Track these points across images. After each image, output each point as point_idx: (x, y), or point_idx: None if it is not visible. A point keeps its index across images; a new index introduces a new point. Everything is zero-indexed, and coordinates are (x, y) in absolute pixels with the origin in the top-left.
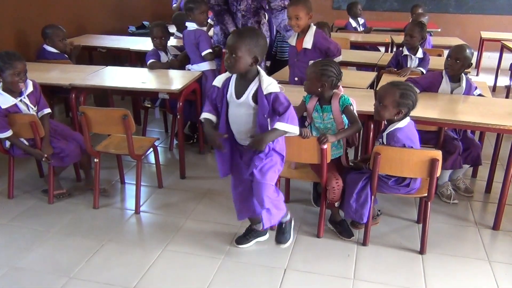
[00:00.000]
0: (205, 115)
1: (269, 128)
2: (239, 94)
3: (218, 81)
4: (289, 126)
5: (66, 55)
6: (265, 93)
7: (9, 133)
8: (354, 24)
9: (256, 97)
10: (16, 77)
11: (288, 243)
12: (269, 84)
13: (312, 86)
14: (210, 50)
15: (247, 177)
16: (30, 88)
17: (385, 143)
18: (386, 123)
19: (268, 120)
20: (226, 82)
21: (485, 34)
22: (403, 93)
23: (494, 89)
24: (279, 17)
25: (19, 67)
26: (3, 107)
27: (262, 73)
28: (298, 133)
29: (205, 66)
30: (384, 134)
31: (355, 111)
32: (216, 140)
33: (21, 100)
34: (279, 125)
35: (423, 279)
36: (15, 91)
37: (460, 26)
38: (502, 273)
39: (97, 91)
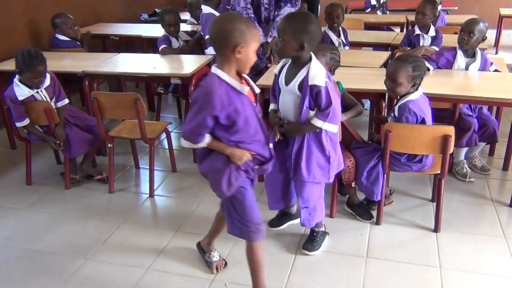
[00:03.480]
0: (271, 106)
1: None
2: (288, 81)
3: (277, 68)
4: (326, 125)
5: (79, 43)
6: (310, 83)
7: (26, 121)
8: (373, 1)
9: (302, 85)
10: (35, 79)
11: (314, 253)
12: (315, 75)
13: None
14: None
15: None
16: (47, 82)
17: (396, 116)
18: (398, 97)
19: (310, 112)
20: (282, 68)
21: (504, 11)
22: (415, 65)
23: None
24: (238, 6)
25: (39, 71)
26: (20, 98)
27: (314, 61)
28: (335, 131)
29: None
30: (396, 107)
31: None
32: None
33: (37, 92)
34: (315, 121)
35: (437, 256)
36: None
37: (479, 4)
38: None
39: (110, 78)
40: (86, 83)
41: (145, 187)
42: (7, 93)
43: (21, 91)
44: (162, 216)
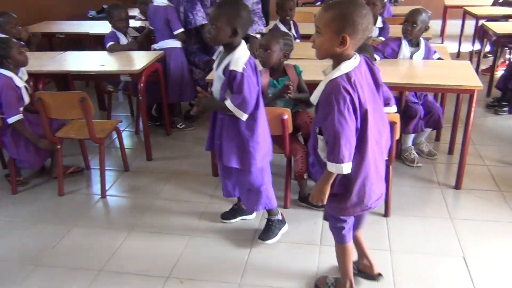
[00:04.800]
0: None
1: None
2: (218, 65)
3: (216, 53)
4: (236, 110)
5: (23, 42)
6: (230, 68)
7: (19, 116)
8: None
9: (225, 70)
10: (21, 56)
11: (270, 241)
12: (236, 61)
13: (275, 58)
14: (182, 29)
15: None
16: (26, 75)
17: None
18: None
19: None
20: (219, 53)
21: (448, 2)
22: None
23: (458, 55)
24: (249, 1)
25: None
26: (20, 85)
27: (240, 48)
28: (243, 118)
29: (170, 43)
30: None
31: None
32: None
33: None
34: (227, 102)
35: (388, 240)
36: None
37: None
38: (464, 229)
39: (57, 78)
40: (31, 83)
41: (96, 188)
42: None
43: (18, 80)
44: (115, 216)
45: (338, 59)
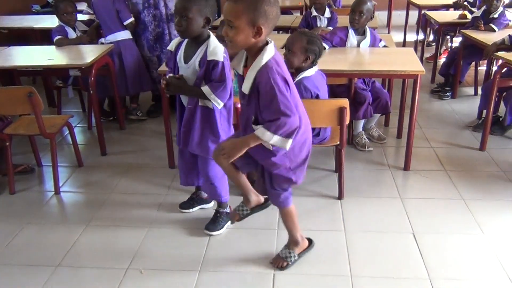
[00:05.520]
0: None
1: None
2: (187, 58)
3: (171, 45)
4: (214, 97)
5: None
6: (208, 58)
7: None
8: None
9: (201, 61)
10: None
11: (216, 233)
12: (215, 50)
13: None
14: (133, 19)
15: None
16: None
17: None
18: (295, 73)
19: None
20: (179, 46)
21: None
22: (310, 39)
23: (404, 45)
24: None
25: None
26: None
27: (212, 37)
28: (220, 107)
29: (122, 35)
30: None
31: None
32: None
33: None
34: (204, 88)
35: (342, 221)
36: None
37: None
38: (413, 207)
39: (1, 74)
40: None
41: (49, 185)
42: None
43: None
44: (70, 212)
45: (253, 49)
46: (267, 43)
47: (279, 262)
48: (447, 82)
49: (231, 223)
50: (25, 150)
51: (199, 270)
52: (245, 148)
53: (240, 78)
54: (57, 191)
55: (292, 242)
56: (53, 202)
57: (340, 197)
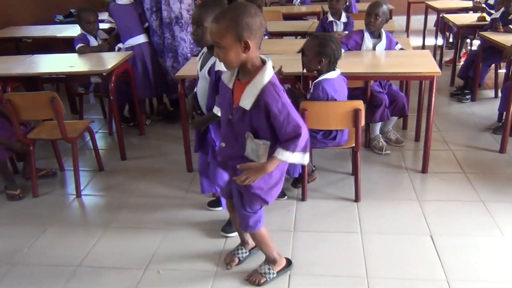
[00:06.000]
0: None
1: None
2: (202, 65)
3: (200, 55)
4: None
5: None
6: (216, 68)
7: None
8: None
9: (210, 70)
10: None
11: (232, 234)
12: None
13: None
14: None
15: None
16: None
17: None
18: (316, 75)
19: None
20: (202, 54)
21: None
22: (322, 42)
23: (423, 48)
24: None
25: None
26: None
27: None
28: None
29: (143, 38)
30: (312, 83)
31: None
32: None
33: None
34: (215, 109)
35: (358, 223)
36: None
37: None
38: (430, 209)
39: (26, 82)
40: None
41: (71, 188)
42: None
43: None
44: (91, 215)
45: (246, 64)
46: (264, 62)
47: (257, 278)
48: (466, 85)
49: (228, 268)
50: (48, 155)
51: (215, 271)
52: (264, 173)
53: (226, 92)
54: (78, 195)
55: (271, 261)
56: (74, 205)
57: (356, 199)
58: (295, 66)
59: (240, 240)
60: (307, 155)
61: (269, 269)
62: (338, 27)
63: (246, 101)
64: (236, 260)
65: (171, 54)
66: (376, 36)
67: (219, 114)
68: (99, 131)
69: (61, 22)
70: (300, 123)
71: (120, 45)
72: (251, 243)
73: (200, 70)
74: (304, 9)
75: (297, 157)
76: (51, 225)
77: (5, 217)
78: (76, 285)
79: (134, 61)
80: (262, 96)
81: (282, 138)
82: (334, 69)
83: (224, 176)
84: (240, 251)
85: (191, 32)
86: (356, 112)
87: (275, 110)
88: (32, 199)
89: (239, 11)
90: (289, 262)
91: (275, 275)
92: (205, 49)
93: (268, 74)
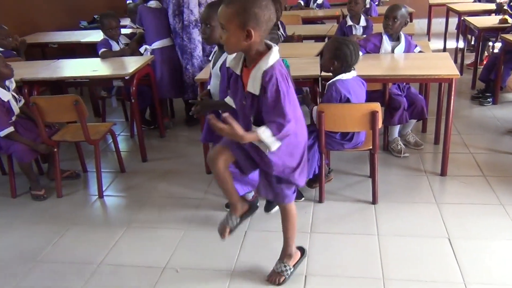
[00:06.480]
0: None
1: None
2: (214, 63)
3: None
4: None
5: (15, 52)
6: (227, 65)
7: (11, 129)
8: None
9: (221, 67)
10: (4, 70)
11: (274, 210)
12: (230, 58)
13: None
14: None
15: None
16: (13, 83)
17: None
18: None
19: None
20: (214, 52)
21: (432, 0)
22: (337, 45)
23: (444, 51)
24: None
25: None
26: (5, 99)
27: None
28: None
29: (169, 41)
30: (327, 84)
31: None
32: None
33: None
34: (228, 99)
35: (375, 225)
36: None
37: None
38: (449, 212)
39: (51, 86)
40: (25, 91)
41: (94, 189)
42: None
43: (3, 93)
44: (112, 214)
45: (250, 52)
46: (270, 48)
47: (276, 277)
48: (488, 88)
49: (222, 238)
50: (71, 156)
51: (232, 270)
52: (239, 139)
53: (236, 81)
54: (100, 195)
55: (286, 256)
56: (96, 205)
57: (374, 201)
58: (312, 69)
59: (230, 208)
60: (277, 144)
61: (285, 266)
62: (357, 31)
63: (254, 86)
64: (228, 230)
65: (186, 56)
66: (395, 39)
67: (232, 104)
68: (121, 133)
69: (85, 28)
70: (289, 116)
71: (146, 46)
72: (240, 208)
73: (212, 68)
74: (322, 13)
75: (271, 141)
76: (74, 224)
77: (30, 216)
78: (97, 282)
79: (162, 61)
80: (263, 79)
81: (265, 118)
82: (349, 71)
83: None
84: (230, 219)
85: (200, 31)
86: (373, 114)
87: (269, 91)
88: (56, 199)
89: (251, 1)
90: (302, 251)
91: (292, 269)
92: (216, 48)
93: (272, 58)
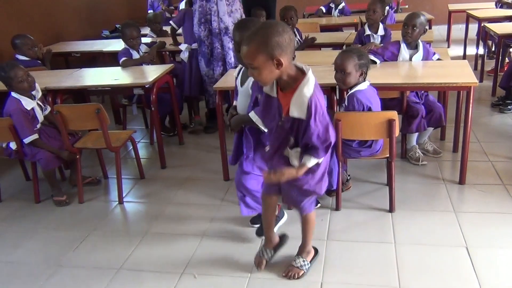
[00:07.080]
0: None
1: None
2: (243, 82)
3: (236, 70)
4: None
5: (39, 61)
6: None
7: (35, 136)
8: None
9: (253, 85)
10: (24, 83)
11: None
12: None
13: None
14: None
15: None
16: (40, 92)
17: (346, 105)
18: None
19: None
20: (240, 70)
21: (452, 7)
22: (359, 54)
23: (464, 58)
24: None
25: (20, 74)
26: (28, 108)
27: None
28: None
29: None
30: (346, 96)
31: None
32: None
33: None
34: (252, 114)
35: (392, 233)
36: (27, 92)
37: (428, 1)
38: (467, 221)
39: (74, 94)
40: (49, 99)
41: (114, 195)
42: (11, 108)
43: (28, 102)
44: (131, 221)
45: (283, 77)
46: (303, 71)
47: (295, 272)
48: (509, 95)
49: (258, 269)
50: (93, 163)
51: (249, 277)
52: (296, 176)
53: (270, 102)
54: (120, 201)
55: (304, 252)
56: (117, 211)
57: (391, 209)
58: (329, 77)
59: (264, 241)
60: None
61: (304, 261)
62: (376, 40)
63: (297, 111)
64: (264, 262)
65: (221, 63)
66: (413, 47)
67: (254, 119)
68: (141, 140)
69: (107, 37)
70: (331, 138)
71: (187, 45)
72: (274, 240)
73: (241, 86)
74: (340, 20)
75: (314, 163)
76: (95, 229)
77: (53, 222)
78: (117, 287)
79: (191, 62)
80: (309, 107)
81: (307, 141)
82: (364, 81)
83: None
84: (265, 252)
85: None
86: (390, 122)
87: (316, 120)
88: (77, 205)
89: (268, 31)
90: (316, 250)
91: (309, 265)
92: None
93: (311, 84)
